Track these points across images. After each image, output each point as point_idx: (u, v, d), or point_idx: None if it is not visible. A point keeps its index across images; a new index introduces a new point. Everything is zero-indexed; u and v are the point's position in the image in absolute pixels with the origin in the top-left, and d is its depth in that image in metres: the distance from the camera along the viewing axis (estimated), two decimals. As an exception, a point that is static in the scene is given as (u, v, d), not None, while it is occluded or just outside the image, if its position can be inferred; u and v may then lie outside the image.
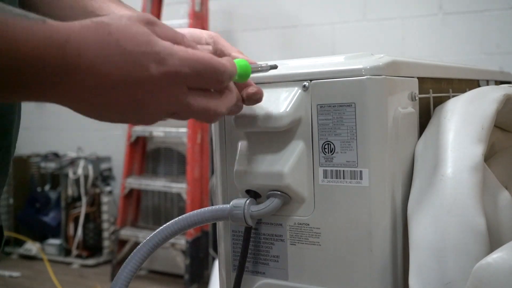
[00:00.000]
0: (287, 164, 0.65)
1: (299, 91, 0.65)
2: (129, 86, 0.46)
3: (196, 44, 0.53)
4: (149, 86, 0.47)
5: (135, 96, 0.47)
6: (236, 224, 0.71)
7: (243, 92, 0.61)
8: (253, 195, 0.68)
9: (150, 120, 0.50)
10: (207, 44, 0.64)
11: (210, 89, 0.53)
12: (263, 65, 0.63)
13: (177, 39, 0.50)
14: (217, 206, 0.68)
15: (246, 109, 0.66)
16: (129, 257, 0.66)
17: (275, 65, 0.65)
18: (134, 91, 0.47)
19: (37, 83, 0.44)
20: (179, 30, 0.55)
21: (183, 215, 0.68)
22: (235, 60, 0.56)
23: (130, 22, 0.47)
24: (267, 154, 0.66)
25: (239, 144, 0.69)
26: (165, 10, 3.29)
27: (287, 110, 0.64)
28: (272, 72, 0.68)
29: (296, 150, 0.65)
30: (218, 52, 0.64)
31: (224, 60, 0.52)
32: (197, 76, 0.49)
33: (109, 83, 0.46)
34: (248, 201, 0.67)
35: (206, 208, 0.68)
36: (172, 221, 0.68)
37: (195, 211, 0.68)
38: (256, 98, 0.62)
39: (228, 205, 0.68)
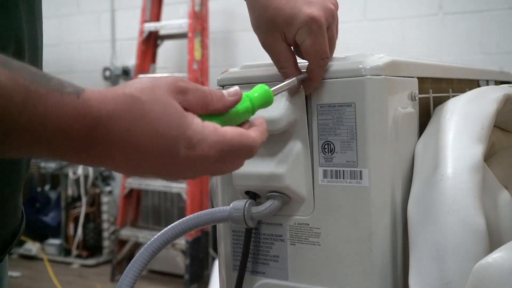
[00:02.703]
0: (286, 165, 0.65)
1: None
2: (158, 162, 0.48)
3: (223, 97, 0.52)
4: (178, 166, 0.49)
5: (164, 168, 0.49)
6: (236, 226, 0.71)
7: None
8: (253, 195, 0.68)
9: (182, 179, 0.52)
10: None
11: None
12: (288, 81, 0.62)
13: (207, 102, 0.50)
14: (217, 209, 0.68)
15: None
16: (130, 263, 0.66)
17: (304, 75, 0.63)
18: (163, 166, 0.48)
19: (64, 153, 0.44)
20: None
21: (183, 219, 0.68)
22: (254, 89, 0.55)
23: (164, 99, 0.47)
24: (265, 156, 0.66)
25: (238, 144, 0.69)
26: (165, 10, 3.29)
27: (283, 112, 0.64)
28: (271, 72, 0.68)
29: (294, 150, 0.65)
30: None
31: (254, 134, 0.52)
32: (225, 156, 0.50)
33: (139, 157, 0.47)
34: (247, 203, 0.67)
35: (206, 211, 0.68)
36: (172, 224, 0.68)
37: (194, 214, 0.68)
38: None
39: (227, 207, 0.68)
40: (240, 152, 0.51)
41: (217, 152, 0.49)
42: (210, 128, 0.49)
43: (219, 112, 0.52)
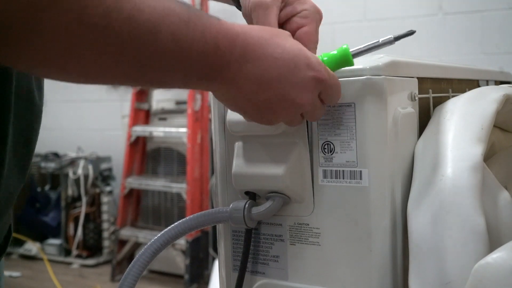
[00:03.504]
0: (285, 165, 0.65)
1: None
2: (283, 83, 0.55)
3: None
4: (299, 86, 0.56)
5: (285, 93, 0.55)
6: (236, 226, 0.71)
7: None
8: (252, 196, 0.68)
9: (280, 120, 0.59)
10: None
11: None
12: (379, 42, 0.62)
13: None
14: (217, 209, 0.68)
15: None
16: (131, 263, 0.66)
17: (392, 38, 0.61)
18: (286, 89, 0.55)
19: (211, 68, 0.51)
20: None
21: (184, 219, 0.68)
22: (339, 49, 0.62)
23: (285, 33, 0.58)
24: (265, 156, 0.66)
25: (236, 145, 0.69)
26: (165, 10, 3.28)
27: None
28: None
29: (293, 151, 0.65)
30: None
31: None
32: (330, 88, 0.58)
33: (267, 76, 0.54)
34: (247, 204, 0.67)
35: (206, 211, 0.69)
36: (173, 225, 0.68)
37: (194, 215, 0.68)
38: None
39: (228, 208, 0.68)
40: (336, 92, 0.59)
41: (330, 79, 0.57)
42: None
43: None
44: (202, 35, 0.49)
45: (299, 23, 0.65)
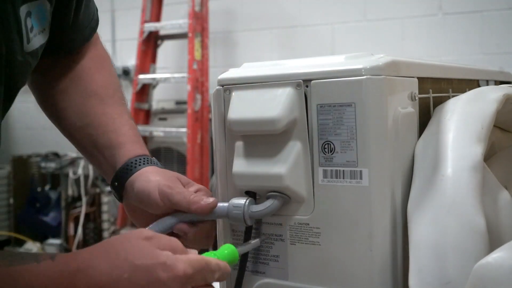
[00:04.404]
0: (286, 165, 0.65)
1: (292, 91, 0.65)
2: None
3: (186, 251, 0.58)
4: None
5: None
6: (235, 223, 0.71)
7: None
8: (253, 195, 0.68)
9: None
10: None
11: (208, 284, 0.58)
12: (253, 242, 0.68)
13: (172, 246, 0.56)
14: (219, 204, 0.68)
15: (242, 112, 0.66)
16: None
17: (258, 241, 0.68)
18: None
19: None
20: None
21: (180, 213, 0.69)
22: (223, 246, 0.63)
23: (134, 241, 0.54)
24: (265, 156, 0.66)
25: (236, 145, 0.69)
26: (165, 10, 3.29)
27: (283, 112, 0.64)
28: (271, 72, 0.68)
29: (293, 150, 0.65)
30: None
31: (216, 260, 0.59)
32: (198, 274, 0.54)
33: None
34: (247, 202, 0.67)
35: None
36: (169, 216, 0.68)
37: None
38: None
39: (226, 204, 0.68)
40: (208, 272, 0.56)
41: (193, 269, 0.54)
42: (179, 255, 0.55)
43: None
44: None
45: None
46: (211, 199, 0.67)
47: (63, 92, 0.79)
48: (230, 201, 0.67)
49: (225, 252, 0.62)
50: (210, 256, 0.60)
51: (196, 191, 0.70)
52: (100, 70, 0.81)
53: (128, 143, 0.76)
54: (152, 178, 0.70)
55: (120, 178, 0.73)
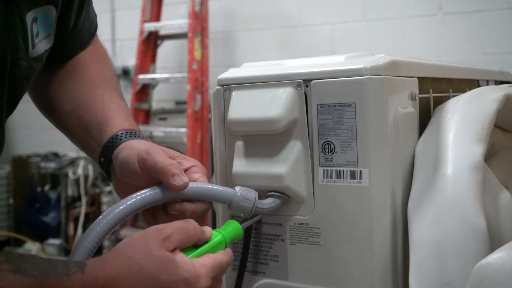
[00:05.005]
0: (286, 165, 0.65)
1: (293, 91, 0.65)
2: None
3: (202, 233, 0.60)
4: None
5: None
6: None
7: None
8: (253, 195, 0.68)
9: None
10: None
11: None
12: (255, 219, 0.66)
13: (189, 236, 0.58)
14: (225, 188, 0.65)
15: (242, 112, 0.66)
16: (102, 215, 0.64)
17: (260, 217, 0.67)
18: None
19: None
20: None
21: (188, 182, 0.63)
22: (227, 223, 0.64)
23: (156, 252, 0.55)
24: (265, 156, 0.66)
25: (236, 145, 0.69)
26: (165, 10, 3.29)
27: (283, 112, 0.64)
28: (271, 71, 0.68)
29: (293, 150, 0.65)
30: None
31: (227, 256, 0.60)
32: (216, 279, 0.58)
33: None
34: (257, 196, 0.65)
35: (212, 185, 0.65)
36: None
37: (196, 183, 0.64)
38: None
39: (235, 191, 0.64)
40: (223, 272, 0.59)
41: (211, 279, 0.57)
42: (200, 264, 0.56)
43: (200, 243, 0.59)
44: None
45: (193, 178, 0.65)
46: (183, 179, 0.62)
47: (56, 82, 0.78)
48: (237, 191, 0.64)
49: (229, 229, 0.63)
50: (216, 235, 0.61)
51: (190, 167, 0.66)
52: (96, 61, 0.81)
53: (115, 118, 0.73)
54: (135, 146, 0.67)
55: (105, 152, 0.70)
